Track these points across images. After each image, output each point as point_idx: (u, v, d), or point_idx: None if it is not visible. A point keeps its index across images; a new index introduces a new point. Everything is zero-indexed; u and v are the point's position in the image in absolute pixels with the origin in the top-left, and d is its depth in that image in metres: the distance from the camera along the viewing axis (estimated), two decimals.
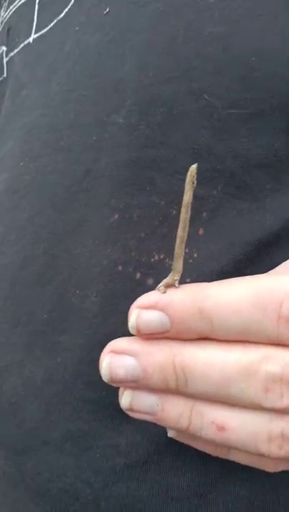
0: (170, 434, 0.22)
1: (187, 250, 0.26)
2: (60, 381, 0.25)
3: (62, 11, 0.32)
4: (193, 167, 0.19)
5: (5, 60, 0.37)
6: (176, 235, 0.27)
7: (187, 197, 0.19)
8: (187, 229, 0.20)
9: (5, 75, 0.37)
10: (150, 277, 0.26)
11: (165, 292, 0.19)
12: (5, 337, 0.28)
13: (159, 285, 0.20)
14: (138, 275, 0.26)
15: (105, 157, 0.27)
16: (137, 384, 0.19)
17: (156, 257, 0.26)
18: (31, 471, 0.26)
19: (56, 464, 0.25)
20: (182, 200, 0.20)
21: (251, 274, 0.25)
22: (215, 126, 0.26)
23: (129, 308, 0.21)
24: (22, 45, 0.35)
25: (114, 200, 0.27)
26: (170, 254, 0.26)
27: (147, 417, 0.20)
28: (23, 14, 0.36)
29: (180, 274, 0.20)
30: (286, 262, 0.22)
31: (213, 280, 0.26)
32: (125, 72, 0.28)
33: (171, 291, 0.19)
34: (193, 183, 0.19)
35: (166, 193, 0.26)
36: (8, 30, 0.37)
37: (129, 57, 0.28)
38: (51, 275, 0.27)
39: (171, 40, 0.27)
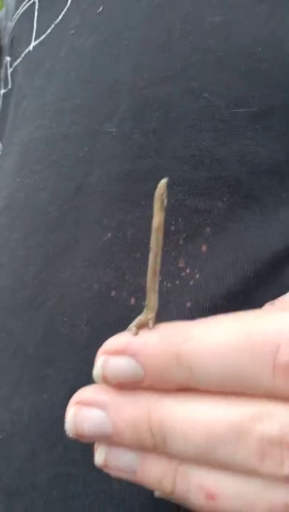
0: (156, 494, 0.19)
1: (188, 271, 0.23)
2: (46, 419, 0.23)
3: (59, 15, 0.30)
4: (162, 182, 0.15)
5: (9, 70, 0.36)
6: (163, 255, 0.23)
7: (157, 220, 0.16)
8: (160, 258, 0.17)
9: (9, 86, 0.36)
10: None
11: (137, 334, 0.16)
12: None
13: (131, 325, 0.17)
14: (132, 300, 0.23)
15: (97, 171, 0.25)
16: (109, 441, 0.16)
17: None
18: None
19: (44, 510, 0.23)
20: (162, 222, 0.17)
21: (262, 295, 0.22)
22: (217, 129, 0.23)
23: None
24: (23, 54, 0.34)
25: (106, 217, 0.24)
26: (168, 275, 0.23)
27: (125, 476, 0.17)
28: (24, 22, 0.34)
29: (155, 312, 0.17)
30: (286, 294, 0.19)
31: (219, 303, 0.23)
32: (120, 75, 0.25)
33: (144, 333, 0.16)
34: (162, 202, 0.15)
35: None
36: (12, 40, 0.36)
37: (124, 58, 0.25)
38: (41, 302, 0.25)
39: (168, 36, 0.24)
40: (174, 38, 0.24)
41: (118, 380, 0.16)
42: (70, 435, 0.17)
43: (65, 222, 0.25)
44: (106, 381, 0.16)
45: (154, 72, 0.24)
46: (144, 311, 0.17)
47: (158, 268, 0.16)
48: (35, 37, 0.32)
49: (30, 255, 0.26)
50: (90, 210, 0.25)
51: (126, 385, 0.16)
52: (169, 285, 0.23)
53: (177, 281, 0.23)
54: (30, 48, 0.33)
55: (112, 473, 0.17)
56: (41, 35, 0.32)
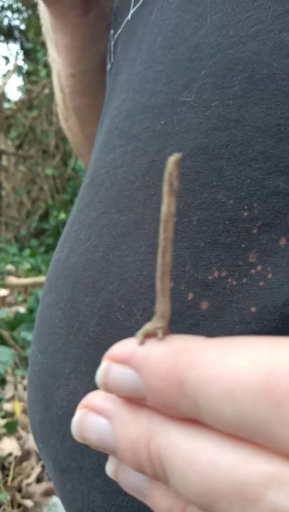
0: None
1: (259, 268, 0.19)
2: None
3: None
4: (173, 159, 0.12)
5: (112, 43, 0.35)
6: (231, 246, 0.20)
7: (166, 206, 0.12)
8: (170, 255, 0.13)
9: (112, 60, 0.35)
10: (205, 300, 0.20)
11: (143, 343, 0.13)
12: (60, 344, 0.26)
13: (139, 331, 0.14)
14: (190, 295, 0.20)
15: (171, 145, 0.22)
16: (115, 455, 0.14)
17: (216, 274, 0.20)
18: (70, 494, 0.24)
19: (87, 497, 0.23)
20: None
21: None
22: None
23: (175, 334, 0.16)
24: (123, 24, 0.32)
25: None
26: (234, 271, 0.20)
27: (136, 496, 0.15)
28: None
29: (166, 320, 0.14)
30: None
31: (287, 314, 0.18)
32: (202, 36, 0.22)
33: (151, 344, 0.13)
34: (172, 183, 0.12)
35: (236, 188, 0.20)
36: (115, 11, 0.34)
37: (208, 15, 0.22)
38: (103, 283, 0.24)
39: None
40: None
41: (120, 393, 0.13)
42: (77, 440, 0.15)
43: (134, 201, 0.24)
44: (108, 390, 0.14)
45: (241, 28, 0.20)
46: (154, 317, 0.14)
47: (168, 267, 0.13)
48: (133, 4, 0.30)
49: (102, 234, 0.25)
50: (157, 189, 0.23)
51: (130, 398, 0.13)
52: (234, 283, 0.19)
53: (244, 280, 0.19)
54: (129, 16, 0.31)
55: (124, 489, 0.15)
56: (138, 2, 0.30)
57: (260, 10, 0.20)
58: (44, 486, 1.13)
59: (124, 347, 0.13)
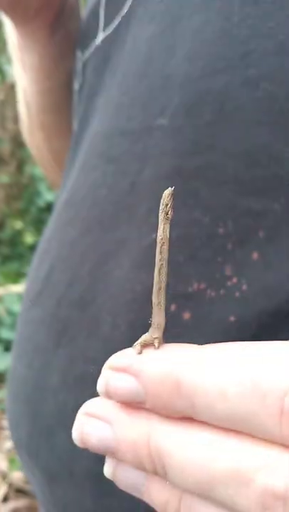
0: None
1: (235, 280, 0.21)
2: None
3: (125, 6, 0.30)
4: (167, 191, 0.14)
5: (80, 65, 0.36)
6: (209, 260, 0.22)
7: (162, 232, 0.14)
8: (165, 273, 0.15)
9: (81, 80, 0.36)
10: (187, 311, 0.22)
11: (141, 353, 0.15)
12: (47, 358, 0.27)
13: (136, 342, 0.16)
14: (173, 307, 0.22)
15: (149, 168, 0.24)
16: (115, 456, 0.16)
17: (195, 287, 0.22)
18: (61, 500, 0.25)
19: (78, 501, 0.24)
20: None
21: None
22: (276, 122, 0.20)
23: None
24: (93, 48, 0.34)
25: (153, 216, 0.23)
26: (212, 283, 0.22)
27: (133, 493, 0.16)
28: (91, 14, 0.34)
29: (161, 331, 0.16)
30: None
31: (266, 321, 0.21)
32: (173, 67, 0.24)
33: (148, 353, 0.15)
34: (167, 212, 0.14)
35: (211, 207, 0.22)
36: (82, 32, 0.36)
37: (178, 48, 0.24)
38: (91, 299, 0.25)
39: (225, 21, 0.22)
40: (232, 24, 0.22)
41: (120, 398, 0.15)
42: (77, 444, 0.17)
43: (118, 220, 0.25)
44: (109, 397, 0.15)
45: (209, 62, 0.22)
46: (150, 329, 0.16)
47: (163, 283, 0.15)
48: (103, 28, 0.32)
49: (86, 252, 0.26)
50: (140, 208, 0.24)
51: (130, 403, 0.15)
52: (212, 294, 0.21)
53: (222, 291, 0.21)
54: (99, 41, 0.32)
55: (121, 487, 0.17)
56: (108, 28, 0.31)
57: (227, 48, 0.22)
58: (11, 504, 1.11)
59: (124, 357, 0.15)
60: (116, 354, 0.16)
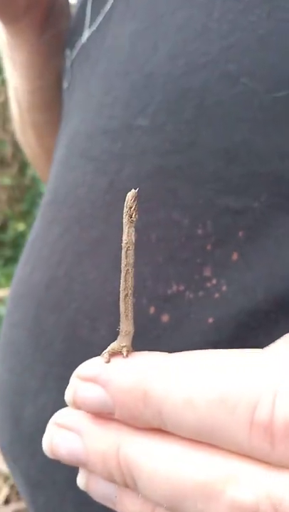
0: None
1: (214, 281, 0.21)
2: None
3: (108, 2, 0.29)
4: (132, 193, 0.13)
5: (68, 64, 0.36)
6: (188, 261, 0.21)
7: (126, 236, 0.14)
8: (131, 279, 0.15)
9: (70, 79, 0.36)
10: (165, 313, 0.21)
11: (109, 361, 0.14)
12: (27, 362, 0.26)
13: (105, 350, 0.15)
14: (152, 309, 0.21)
15: (128, 167, 0.24)
16: (86, 468, 0.15)
17: (175, 288, 0.21)
18: (43, 508, 0.24)
19: (59, 509, 0.23)
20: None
21: None
22: (255, 118, 0.20)
23: (138, 348, 0.17)
24: (79, 46, 0.33)
25: None
26: (191, 285, 0.21)
27: (106, 504, 0.16)
28: (78, 12, 0.33)
29: (130, 339, 0.15)
30: (286, 335, 0.15)
31: (246, 322, 0.20)
32: (155, 65, 0.23)
33: (116, 362, 0.14)
34: (131, 215, 0.13)
35: (190, 207, 0.21)
36: (69, 31, 0.35)
37: (160, 46, 0.23)
38: (68, 301, 0.25)
39: (207, 17, 0.21)
40: (213, 19, 0.21)
41: (89, 408, 0.14)
42: (47, 455, 0.16)
43: (96, 220, 0.25)
44: (77, 407, 0.15)
45: (191, 59, 0.22)
46: (118, 337, 0.15)
47: (130, 290, 0.15)
48: (88, 25, 0.32)
49: (64, 252, 0.26)
50: (118, 208, 0.24)
51: (99, 414, 0.14)
52: (191, 296, 0.21)
53: (201, 293, 0.21)
54: (84, 39, 0.32)
55: (95, 498, 0.16)
56: (93, 25, 0.31)
57: (208, 43, 0.21)
58: (12, 507, 1.10)
59: (91, 366, 0.14)
60: (84, 363, 0.15)
